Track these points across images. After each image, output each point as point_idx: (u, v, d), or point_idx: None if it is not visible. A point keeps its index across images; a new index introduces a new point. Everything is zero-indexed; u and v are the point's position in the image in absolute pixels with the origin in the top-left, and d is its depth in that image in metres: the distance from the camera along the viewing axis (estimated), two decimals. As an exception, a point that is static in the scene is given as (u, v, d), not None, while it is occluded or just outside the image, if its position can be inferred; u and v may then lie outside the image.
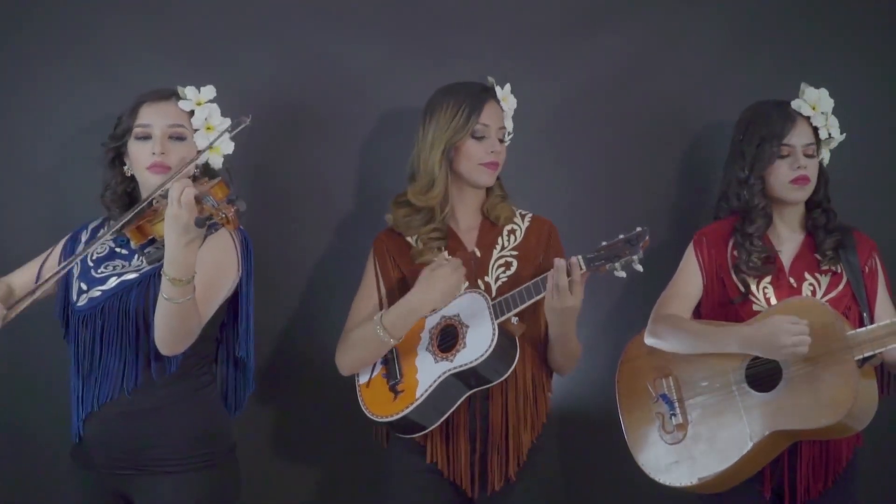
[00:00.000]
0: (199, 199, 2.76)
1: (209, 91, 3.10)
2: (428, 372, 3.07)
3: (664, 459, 3.22)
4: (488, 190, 3.27)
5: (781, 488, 3.23)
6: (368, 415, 3.14)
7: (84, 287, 3.04)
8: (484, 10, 3.61)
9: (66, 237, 3.18)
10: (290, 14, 3.56)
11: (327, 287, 3.52)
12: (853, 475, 3.27)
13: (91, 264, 3.07)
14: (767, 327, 3.10)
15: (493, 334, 3.03)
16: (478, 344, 3.04)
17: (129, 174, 3.07)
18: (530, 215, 3.28)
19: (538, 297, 3.04)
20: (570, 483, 3.48)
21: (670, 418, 3.23)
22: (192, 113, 3.08)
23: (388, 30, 3.58)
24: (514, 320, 3.08)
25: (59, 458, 3.23)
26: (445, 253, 3.16)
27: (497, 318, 3.06)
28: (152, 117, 3.05)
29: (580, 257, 3.00)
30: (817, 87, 3.31)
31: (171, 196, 2.76)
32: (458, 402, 3.08)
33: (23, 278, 3.14)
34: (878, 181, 3.69)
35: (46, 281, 2.95)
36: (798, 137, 3.27)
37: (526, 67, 3.52)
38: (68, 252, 3.13)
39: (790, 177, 3.26)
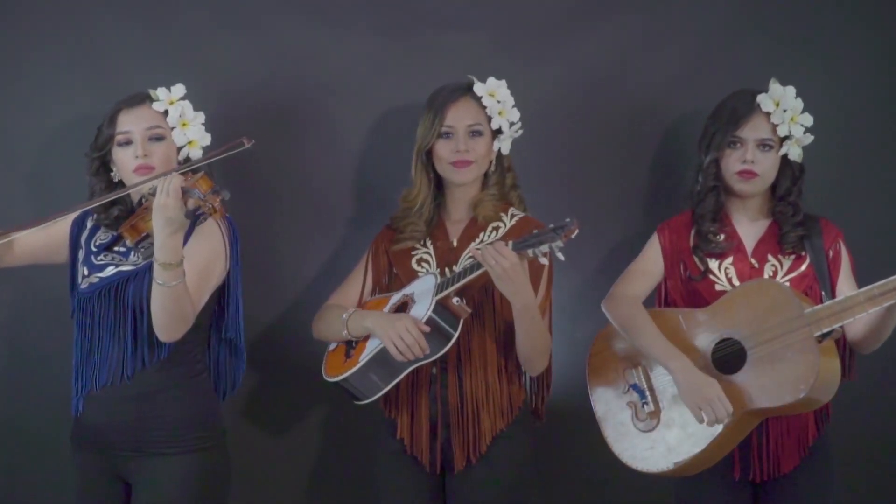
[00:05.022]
0: (185, 192, 2.91)
1: (179, 89, 3.24)
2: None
3: (640, 447, 3.28)
4: (484, 186, 3.37)
5: (750, 466, 3.28)
6: (324, 376, 3.30)
7: (86, 272, 3.19)
8: (472, 8, 3.67)
9: (76, 214, 3.25)
10: (278, 11, 3.64)
11: (314, 281, 3.61)
12: (825, 451, 3.31)
13: (94, 249, 3.21)
14: (705, 381, 3.18)
15: (428, 309, 3.16)
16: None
17: (117, 180, 3.20)
18: (522, 216, 3.35)
19: (473, 276, 3.15)
20: (543, 473, 3.58)
21: (642, 406, 3.30)
22: (166, 112, 3.22)
23: (378, 28, 3.65)
24: (456, 300, 3.19)
25: (59, 442, 3.34)
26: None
27: (438, 294, 3.18)
28: (131, 123, 3.19)
29: (510, 242, 3.11)
30: (796, 81, 3.33)
31: (159, 189, 2.92)
32: (402, 374, 3.20)
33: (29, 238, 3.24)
34: (853, 174, 3.73)
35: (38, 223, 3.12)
36: (751, 131, 3.31)
37: (515, 64, 3.57)
38: (75, 234, 3.26)
39: (736, 168, 3.31)
